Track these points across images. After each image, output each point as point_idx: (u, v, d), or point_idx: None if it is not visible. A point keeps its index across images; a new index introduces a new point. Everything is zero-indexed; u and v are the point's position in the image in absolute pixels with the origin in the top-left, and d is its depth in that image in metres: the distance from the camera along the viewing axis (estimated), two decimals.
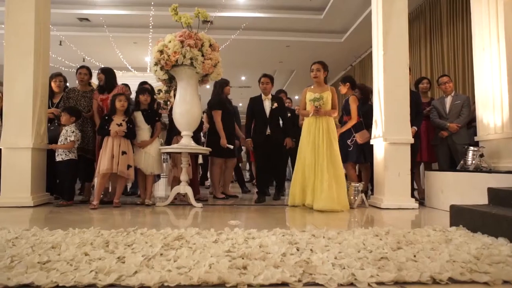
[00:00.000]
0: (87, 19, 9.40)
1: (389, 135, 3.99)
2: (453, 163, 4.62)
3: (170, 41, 3.88)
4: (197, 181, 4.74)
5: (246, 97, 18.20)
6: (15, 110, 3.86)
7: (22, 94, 3.86)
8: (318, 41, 9.98)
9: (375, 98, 4.26)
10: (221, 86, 4.87)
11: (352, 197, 4.00)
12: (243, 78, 14.26)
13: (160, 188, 7.08)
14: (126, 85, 5.07)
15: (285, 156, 5.26)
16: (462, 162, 4.03)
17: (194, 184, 4.70)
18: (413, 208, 3.92)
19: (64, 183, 3.92)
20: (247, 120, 4.85)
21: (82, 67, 4.50)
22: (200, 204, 3.98)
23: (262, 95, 4.80)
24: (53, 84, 4.49)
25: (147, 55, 10.97)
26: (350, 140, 4.54)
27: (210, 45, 4.02)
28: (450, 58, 6.74)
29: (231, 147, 4.74)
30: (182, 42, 3.84)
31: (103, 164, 3.78)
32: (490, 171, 3.77)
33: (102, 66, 11.44)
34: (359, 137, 4.48)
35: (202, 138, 5.45)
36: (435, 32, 7.30)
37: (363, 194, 4.03)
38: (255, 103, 4.80)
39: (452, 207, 2.63)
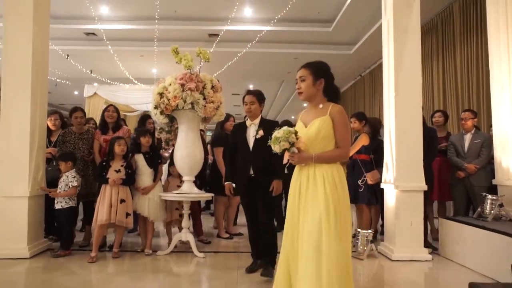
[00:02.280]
0: (93, 34, 9.33)
1: (401, 181, 3.77)
2: (470, 203, 4.39)
3: (170, 84, 3.72)
4: (200, 222, 4.59)
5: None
6: (11, 155, 3.73)
7: (18, 139, 3.74)
8: (326, 53, 9.74)
9: (386, 140, 4.04)
10: (222, 122, 4.67)
11: (361, 247, 3.80)
12: (251, 86, 14.08)
13: None
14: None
15: (274, 205, 3.45)
16: (479, 209, 3.80)
17: (197, 224, 4.56)
18: (426, 260, 3.70)
19: (63, 231, 3.80)
20: (227, 155, 3.68)
21: (75, 109, 4.28)
22: (202, 254, 3.82)
23: (247, 119, 3.40)
24: (49, 123, 4.36)
25: (153, 67, 10.90)
26: (361, 180, 4.34)
27: (212, 87, 3.85)
28: (463, 74, 6.44)
29: (233, 185, 4.57)
30: (182, 85, 3.67)
31: (100, 214, 3.64)
32: (510, 220, 3.56)
33: (109, 80, 11.46)
34: (370, 178, 4.27)
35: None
36: (448, 47, 7.01)
37: (373, 244, 3.83)
38: (237, 131, 3.46)
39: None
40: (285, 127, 2.12)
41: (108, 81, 11.35)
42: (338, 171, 2.12)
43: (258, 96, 3.36)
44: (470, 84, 6.19)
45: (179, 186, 4.13)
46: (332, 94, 2.25)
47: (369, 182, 4.28)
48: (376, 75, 10.21)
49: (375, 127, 4.72)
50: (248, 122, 3.36)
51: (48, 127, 4.32)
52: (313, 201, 2.04)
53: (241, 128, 3.40)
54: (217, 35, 8.94)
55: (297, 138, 2.09)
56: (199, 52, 3.86)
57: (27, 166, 3.73)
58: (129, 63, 10.67)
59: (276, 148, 2.16)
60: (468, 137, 4.43)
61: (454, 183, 4.45)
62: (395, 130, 3.84)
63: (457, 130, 6.29)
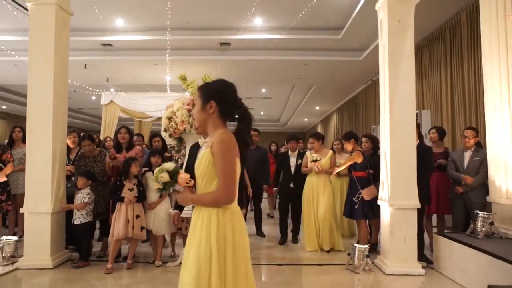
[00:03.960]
0: (110, 44, 9.72)
1: (395, 200, 3.97)
2: (469, 217, 4.52)
3: (178, 109, 4.01)
4: None
5: (267, 107, 18.20)
6: (36, 176, 4.12)
7: (41, 161, 4.12)
8: (336, 59, 9.90)
9: (382, 160, 4.23)
10: None
11: (357, 261, 4.02)
12: (263, 90, 14.32)
13: None
14: (140, 135, 5.24)
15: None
16: (472, 226, 3.96)
17: None
18: (419, 275, 3.89)
19: (82, 245, 4.17)
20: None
21: (83, 138, 4.55)
22: None
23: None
24: (68, 141, 4.72)
25: (167, 75, 11.25)
26: (356, 197, 4.54)
27: None
28: (471, 83, 6.46)
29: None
30: (189, 110, 3.96)
31: (117, 230, 3.98)
32: (501, 237, 3.73)
33: (122, 91, 11.87)
34: (365, 194, 4.48)
35: None
36: (455, 55, 7.05)
37: (368, 259, 4.04)
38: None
39: None
40: (164, 165, 1.95)
41: (123, 91, 11.78)
42: (221, 218, 1.75)
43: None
44: (477, 94, 6.21)
45: None
46: (230, 115, 1.89)
47: (365, 198, 4.48)
48: None
49: (375, 143, 4.91)
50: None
51: (67, 146, 4.70)
52: (188, 253, 1.79)
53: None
54: (228, 43, 9.21)
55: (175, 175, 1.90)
56: (205, 78, 4.13)
57: (50, 185, 4.11)
58: (143, 72, 11.06)
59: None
60: (468, 154, 4.54)
61: (453, 197, 4.58)
62: (389, 151, 4.03)
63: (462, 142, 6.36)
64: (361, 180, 4.62)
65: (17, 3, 6.80)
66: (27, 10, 4.39)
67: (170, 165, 1.93)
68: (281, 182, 5.67)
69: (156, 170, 1.93)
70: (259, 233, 5.96)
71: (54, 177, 4.15)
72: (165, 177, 1.89)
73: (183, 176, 1.89)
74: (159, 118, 11.00)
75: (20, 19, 7.34)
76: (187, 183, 1.88)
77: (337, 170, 4.91)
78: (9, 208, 4.53)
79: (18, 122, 12.61)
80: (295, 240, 5.48)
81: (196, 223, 1.79)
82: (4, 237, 4.34)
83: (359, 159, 4.56)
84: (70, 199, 4.36)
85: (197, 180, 1.84)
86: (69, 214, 4.38)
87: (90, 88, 12.02)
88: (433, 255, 4.19)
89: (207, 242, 1.72)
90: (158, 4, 7.30)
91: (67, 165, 4.58)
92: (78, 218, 4.14)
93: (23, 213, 4.18)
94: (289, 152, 5.51)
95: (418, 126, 4.42)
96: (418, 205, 3.97)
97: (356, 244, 4.14)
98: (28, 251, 4.07)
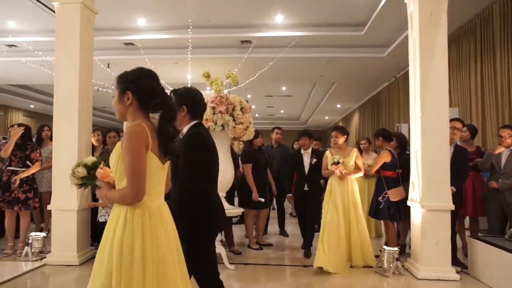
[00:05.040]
0: (132, 44, 9.81)
1: (427, 201, 3.80)
2: (507, 219, 4.29)
3: None
4: (231, 233, 4.83)
5: (287, 105, 18.12)
6: (62, 173, 4.13)
7: (68, 158, 4.13)
8: (359, 56, 9.70)
9: (412, 159, 4.06)
10: (251, 139, 4.86)
11: (387, 264, 3.88)
12: (283, 88, 14.20)
13: None
14: None
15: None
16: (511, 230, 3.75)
17: (228, 235, 4.81)
18: (454, 280, 3.71)
19: None
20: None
21: (109, 130, 4.67)
22: (232, 267, 4.06)
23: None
24: (92, 139, 4.76)
25: (188, 73, 11.27)
26: (381, 197, 4.39)
27: (241, 108, 4.05)
28: (504, 79, 6.17)
29: (262, 200, 4.77)
30: (213, 108, 3.90)
31: None
32: None
33: None
34: (392, 195, 4.30)
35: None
36: (486, 51, 6.76)
37: (398, 262, 3.89)
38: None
39: None
40: (84, 159, 1.82)
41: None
42: (129, 217, 1.63)
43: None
44: (511, 91, 5.96)
45: None
46: (150, 106, 1.76)
47: (391, 199, 4.31)
48: None
49: (403, 142, 4.74)
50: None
51: (91, 143, 4.74)
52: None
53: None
54: (249, 41, 9.14)
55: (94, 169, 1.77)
56: (228, 75, 4.06)
57: None
58: (164, 70, 11.09)
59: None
60: (505, 154, 4.29)
61: (488, 198, 4.37)
62: (421, 150, 3.86)
63: (495, 141, 6.10)
64: (389, 180, 4.45)
65: (43, 4, 6.91)
66: (53, 11, 4.44)
67: (89, 159, 1.80)
68: (295, 184, 4.96)
69: (74, 164, 1.80)
70: (282, 232, 5.88)
71: None
72: (82, 171, 1.76)
73: (100, 170, 1.76)
74: None
75: (46, 20, 7.48)
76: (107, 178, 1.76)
77: (374, 169, 4.57)
78: (36, 205, 4.60)
79: (44, 120, 12.92)
80: (307, 253, 4.62)
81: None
82: (33, 233, 4.42)
83: (388, 158, 4.40)
84: (95, 196, 4.39)
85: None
86: (93, 211, 4.41)
87: (112, 87, 12.19)
88: (468, 259, 3.99)
89: (110, 245, 1.61)
90: (179, 2, 7.30)
91: None
92: (103, 216, 4.16)
93: (48, 210, 4.24)
94: (302, 150, 4.87)
95: None
96: (452, 207, 3.78)
97: (385, 246, 4.00)
98: (56, 247, 4.13)
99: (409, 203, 4.10)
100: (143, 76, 1.79)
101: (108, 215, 4.08)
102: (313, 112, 18.91)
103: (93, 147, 4.82)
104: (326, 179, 4.55)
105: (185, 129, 2.32)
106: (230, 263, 4.11)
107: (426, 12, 3.88)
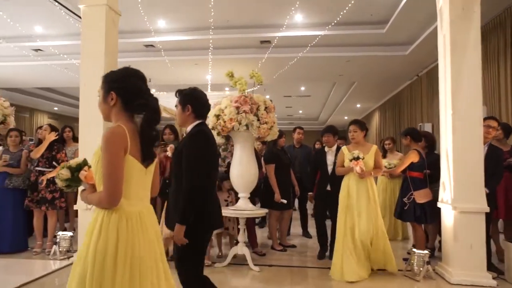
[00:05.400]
0: (152, 45, 9.90)
1: (459, 203, 3.65)
2: None
3: (226, 107, 3.93)
4: (255, 234, 4.78)
5: (306, 105, 17.98)
6: None
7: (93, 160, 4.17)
8: (380, 54, 9.49)
9: (443, 159, 3.92)
10: (274, 139, 4.80)
11: (417, 268, 3.75)
12: (302, 88, 14.09)
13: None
14: None
15: None
16: None
17: (251, 236, 4.76)
18: (490, 286, 3.53)
19: None
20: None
21: None
22: (257, 268, 4.01)
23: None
24: None
25: (207, 74, 11.31)
26: (406, 198, 4.24)
27: (266, 108, 4.00)
28: None
29: (285, 201, 4.70)
30: (237, 108, 3.87)
31: (165, 228, 3.95)
32: None
33: (164, 91, 12.12)
34: (418, 196, 4.15)
35: None
36: None
37: (429, 266, 3.75)
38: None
39: None
40: (70, 161, 1.81)
41: (165, 90, 11.98)
42: (105, 222, 1.59)
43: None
44: None
45: (225, 201, 4.43)
46: (134, 107, 1.71)
47: (418, 200, 4.16)
48: (434, 75, 9.66)
49: (431, 141, 4.59)
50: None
51: None
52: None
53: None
54: (268, 41, 9.09)
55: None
56: (252, 74, 4.02)
57: None
58: (184, 71, 11.19)
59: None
60: None
61: None
62: (452, 149, 3.72)
63: None
64: (415, 180, 4.31)
65: (69, 9, 7.06)
66: (77, 16, 4.48)
67: (74, 161, 1.78)
68: (317, 184, 4.72)
69: (60, 166, 1.77)
70: (305, 234, 5.80)
71: None
72: (65, 173, 1.74)
73: (84, 173, 1.73)
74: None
75: (71, 25, 7.63)
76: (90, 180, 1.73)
77: (400, 169, 4.42)
78: (62, 205, 4.66)
79: (68, 122, 13.21)
80: (322, 255, 4.55)
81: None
82: (60, 233, 4.49)
83: (415, 158, 4.25)
84: None
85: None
86: None
87: None
88: (505, 264, 3.82)
89: (87, 249, 1.58)
90: (198, 4, 7.32)
91: None
92: None
93: (73, 210, 4.28)
94: (326, 148, 4.63)
95: None
96: (487, 209, 3.62)
97: (414, 249, 3.87)
98: None
99: (439, 204, 3.96)
100: (128, 76, 1.73)
101: None
102: (332, 112, 18.69)
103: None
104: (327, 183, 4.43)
105: (189, 128, 2.37)
106: (254, 265, 4.07)
107: (457, 6, 3.74)
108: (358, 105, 16.77)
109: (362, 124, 4.04)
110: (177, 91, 2.42)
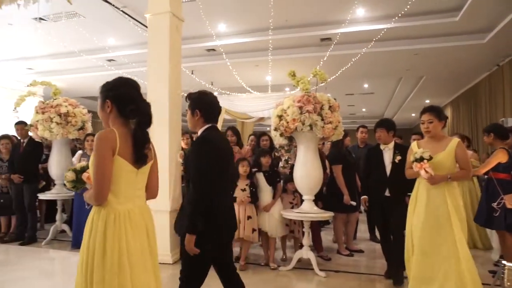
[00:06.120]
0: (213, 49, 10.16)
1: None
2: None
3: (289, 107, 3.84)
4: (320, 238, 4.62)
5: (369, 103, 17.34)
6: None
7: (160, 163, 4.30)
8: (453, 45, 8.74)
9: None
10: (340, 139, 4.60)
11: (507, 283, 3.32)
12: (365, 85, 13.53)
13: None
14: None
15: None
16: None
17: (316, 240, 4.61)
18: None
19: None
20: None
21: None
22: (323, 274, 3.87)
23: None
24: (182, 143, 4.93)
25: (268, 75, 11.33)
26: (496, 203, 3.79)
27: (330, 107, 3.84)
28: None
29: (354, 203, 4.48)
30: (300, 108, 3.76)
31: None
32: None
33: (228, 93, 12.39)
34: (509, 201, 3.69)
35: None
36: None
37: None
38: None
39: None
40: (76, 165, 2.09)
41: (227, 92, 12.24)
42: (95, 219, 1.80)
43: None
44: None
45: (291, 203, 4.34)
46: (127, 113, 1.88)
47: (508, 206, 3.70)
48: None
49: None
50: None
51: (181, 146, 4.91)
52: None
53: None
54: (329, 39, 8.84)
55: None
56: (315, 72, 3.88)
57: (167, 185, 4.31)
58: (245, 73, 11.31)
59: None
60: None
61: None
62: None
63: None
64: (503, 183, 3.85)
65: (137, 20, 7.51)
66: (144, 25, 4.68)
67: (79, 165, 2.00)
68: (372, 188, 3.88)
69: (67, 169, 2.03)
70: (373, 238, 5.50)
71: (171, 177, 4.34)
72: (70, 175, 1.99)
73: (86, 174, 1.93)
74: (261, 119, 11.12)
75: (139, 34, 8.10)
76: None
77: (484, 170, 3.97)
78: None
79: None
80: (398, 281, 3.57)
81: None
82: None
83: (504, 158, 3.79)
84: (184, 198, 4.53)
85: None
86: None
87: None
88: None
89: (83, 245, 1.78)
90: (257, 5, 7.34)
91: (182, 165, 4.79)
92: None
93: None
94: (381, 145, 3.82)
95: None
96: None
97: (504, 262, 3.43)
98: None
99: None
100: (121, 84, 1.90)
101: None
102: (398, 110, 17.72)
103: (182, 149, 5.00)
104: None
105: (199, 132, 2.36)
106: (320, 270, 3.92)
107: None
108: (427, 101, 15.68)
109: (439, 112, 3.11)
110: (187, 96, 2.42)
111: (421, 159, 2.94)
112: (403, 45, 8.95)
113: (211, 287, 3.57)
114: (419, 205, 3.06)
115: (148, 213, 1.96)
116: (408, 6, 6.94)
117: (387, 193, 3.67)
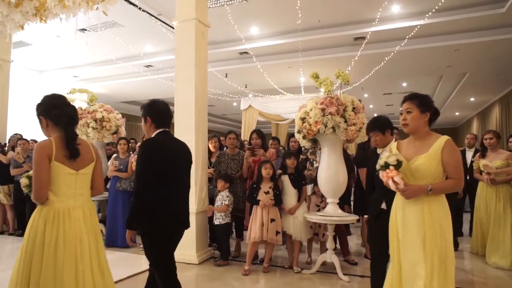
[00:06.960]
0: (246, 53, 10.26)
1: None
2: None
3: (311, 109, 3.80)
4: (346, 242, 4.53)
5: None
6: None
7: None
8: (498, 39, 8.20)
9: None
10: (365, 142, 4.47)
11: None
12: (404, 84, 13.04)
13: None
14: (276, 138, 5.23)
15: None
16: None
17: (342, 244, 4.52)
18: None
19: (222, 244, 4.37)
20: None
21: (230, 132, 4.88)
22: (347, 278, 3.78)
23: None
24: (210, 145, 5.03)
25: (301, 76, 11.25)
26: None
27: (354, 108, 3.76)
28: None
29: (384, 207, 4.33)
30: (323, 110, 3.71)
31: (253, 232, 4.01)
32: None
33: (261, 95, 12.43)
34: None
35: None
36: None
37: None
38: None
39: None
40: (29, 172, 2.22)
41: (260, 94, 12.30)
42: (36, 216, 2.11)
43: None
44: None
45: (317, 206, 4.32)
46: (52, 118, 2.18)
47: None
48: None
49: None
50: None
51: (209, 149, 5.01)
52: None
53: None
54: (362, 37, 8.63)
55: None
56: (338, 74, 3.82)
57: (194, 186, 4.40)
58: (278, 75, 11.31)
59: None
60: None
61: None
62: None
63: None
64: None
65: (171, 26, 7.77)
66: None
67: (31, 172, 2.13)
68: (370, 199, 3.16)
69: (22, 176, 2.27)
70: None
71: (197, 179, 4.44)
72: (24, 181, 2.23)
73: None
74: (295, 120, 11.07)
75: (172, 40, 8.37)
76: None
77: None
78: None
79: (171, 129, 14.51)
80: None
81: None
82: None
83: None
84: (211, 200, 4.62)
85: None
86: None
87: (230, 95, 12.97)
88: None
89: (24, 236, 2.06)
90: (288, 7, 7.31)
91: (208, 168, 4.88)
92: (218, 219, 4.34)
93: None
94: (378, 150, 3.16)
95: None
96: None
97: None
98: (178, 246, 4.44)
99: None
100: (47, 100, 2.18)
101: (222, 219, 4.28)
102: (440, 108, 16.72)
103: (210, 152, 5.10)
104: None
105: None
106: (344, 274, 3.84)
107: None
108: (472, 99, 14.84)
109: (422, 101, 2.47)
110: (141, 107, 2.60)
111: (386, 166, 2.21)
112: (441, 41, 8.54)
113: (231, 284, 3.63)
114: (395, 225, 2.34)
115: (90, 209, 2.20)
116: (443, 0, 6.59)
117: (383, 206, 2.83)
